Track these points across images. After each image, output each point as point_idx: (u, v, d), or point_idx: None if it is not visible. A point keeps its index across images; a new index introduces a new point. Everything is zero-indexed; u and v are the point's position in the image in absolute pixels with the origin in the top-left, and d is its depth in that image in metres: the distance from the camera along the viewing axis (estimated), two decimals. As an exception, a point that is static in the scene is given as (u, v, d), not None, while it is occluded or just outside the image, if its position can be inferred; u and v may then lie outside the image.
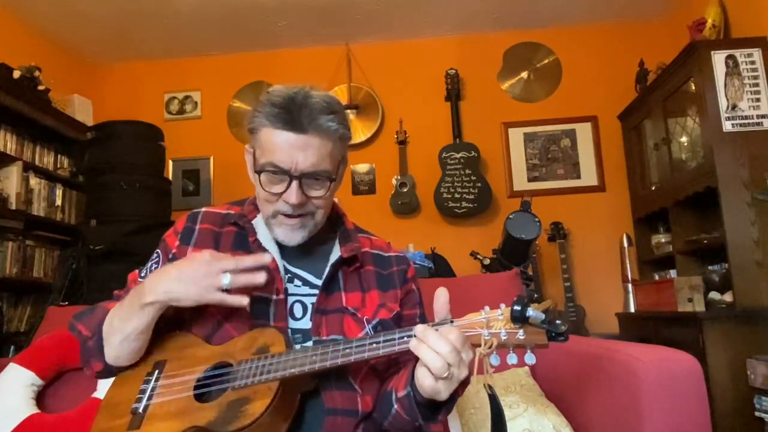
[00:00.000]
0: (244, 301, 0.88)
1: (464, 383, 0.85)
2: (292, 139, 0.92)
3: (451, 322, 0.80)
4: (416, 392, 0.84)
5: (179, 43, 3.91)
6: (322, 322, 0.97)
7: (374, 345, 0.83)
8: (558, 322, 0.74)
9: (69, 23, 3.55)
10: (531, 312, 0.74)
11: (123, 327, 0.92)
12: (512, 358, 0.77)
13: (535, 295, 3.33)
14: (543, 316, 0.74)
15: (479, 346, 0.77)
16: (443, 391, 0.78)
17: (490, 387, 0.80)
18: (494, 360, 0.77)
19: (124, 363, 0.97)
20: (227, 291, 0.88)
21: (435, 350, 0.76)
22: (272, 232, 1.01)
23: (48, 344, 1.65)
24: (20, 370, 1.61)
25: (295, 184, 0.93)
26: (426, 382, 0.78)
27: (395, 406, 0.90)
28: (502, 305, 0.78)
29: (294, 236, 0.99)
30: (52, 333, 1.70)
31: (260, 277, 0.88)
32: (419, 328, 0.79)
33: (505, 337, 0.76)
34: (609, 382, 1.22)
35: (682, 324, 2.56)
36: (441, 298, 0.83)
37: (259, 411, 0.81)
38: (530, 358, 0.77)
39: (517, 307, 0.74)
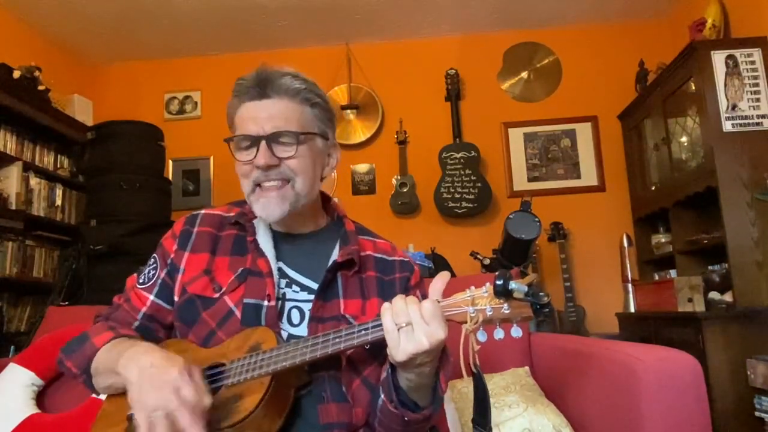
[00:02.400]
0: None
1: (447, 374, 0.85)
2: (258, 105, 0.96)
3: (437, 302, 0.80)
4: (397, 378, 0.85)
5: (179, 43, 3.91)
6: (318, 330, 0.94)
7: (363, 332, 0.82)
8: (541, 293, 0.75)
9: (69, 23, 3.55)
10: (514, 285, 0.74)
11: (105, 377, 0.93)
12: (499, 333, 0.78)
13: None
14: (526, 289, 0.74)
15: (465, 323, 0.78)
16: (399, 347, 0.77)
17: (476, 366, 0.80)
18: (481, 336, 0.78)
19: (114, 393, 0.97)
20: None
21: (404, 302, 0.79)
22: (256, 211, 0.98)
23: (48, 344, 1.65)
24: (20, 370, 1.61)
25: (262, 144, 0.94)
26: (388, 323, 0.78)
27: (381, 396, 0.89)
28: (487, 283, 0.79)
29: (274, 209, 0.96)
30: (52, 333, 1.70)
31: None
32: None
33: (490, 313, 0.77)
34: (609, 382, 1.22)
35: (682, 324, 2.56)
36: (437, 283, 0.83)
37: (252, 406, 0.81)
38: (516, 331, 0.78)
39: (500, 282, 0.75)
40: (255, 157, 0.94)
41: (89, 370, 0.95)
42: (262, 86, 0.96)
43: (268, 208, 0.96)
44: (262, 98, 0.96)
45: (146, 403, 0.79)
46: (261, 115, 0.95)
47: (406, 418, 0.86)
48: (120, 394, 0.96)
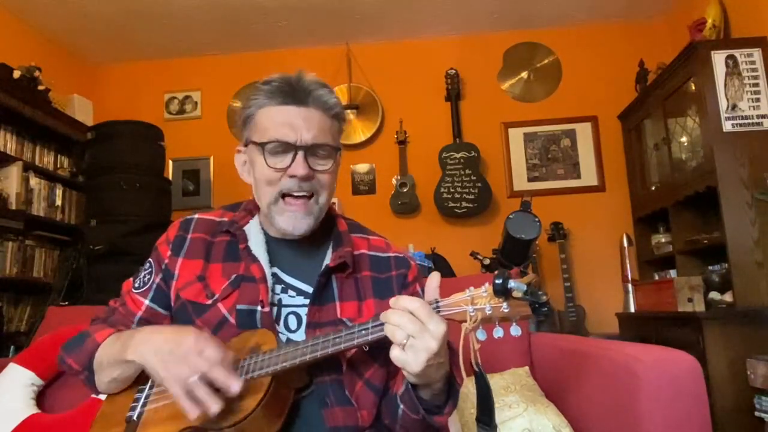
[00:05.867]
0: (192, 413, 0.79)
1: (458, 367, 0.85)
2: (294, 111, 0.94)
3: (437, 302, 0.81)
4: (414, 387, 0.85)
5: (179, 43, 3.91)
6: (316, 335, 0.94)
7: (363, 332, 0.82)
8: (540, 292, 0.76)
9: (69, 23, 3.55)
10: (513, 284, 0.75)
11: (110, 370, 0.93)
12: (498, 332, 0.79)
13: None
14: (525, 287, 0.75)
15: (465, 322, 0.78)
16: (411, 362, 0.77)
17: (477, 364, 0.80)
18: (480, 335, 0.79)
19: (116, 392, 0.97)
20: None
21: (397, 316, 0.78)
22: (275, 224, 0.97)
23: (48, 344, 1.65)
24: (20, 370, 1.61)
25: (300, 155, 0.93)
26: (393, 351, 0.78)
27: (401, 407, 0.90)
28: (486, 283, 0.79)
29: (300, 224, 0.96)
30: (52, 333, 1.70)
31: (233, 387, 0.80)
32: (391, 300, 0.80)
33: (489, 312, 0.78)
34: (609, 382, 1.22)
35: (682, 324, 2.56)
36: (432, 282, 0.83)
37: (252, 406, 0.81)
38: (516, 330, 0.78)
39: (499, 281, 0.75)
40: (290, 165, 0.93)
41: (91, 367, 0.95)
42: (298, 92, 0.94)
43: (295, 221, 0.96)
44: (299, 104, 0.94)
45: (178, 375, 0.81)
46: (298, 122, 0.93)
47: (436, 423, 0.88)
48: (119, 393, 0.96)
